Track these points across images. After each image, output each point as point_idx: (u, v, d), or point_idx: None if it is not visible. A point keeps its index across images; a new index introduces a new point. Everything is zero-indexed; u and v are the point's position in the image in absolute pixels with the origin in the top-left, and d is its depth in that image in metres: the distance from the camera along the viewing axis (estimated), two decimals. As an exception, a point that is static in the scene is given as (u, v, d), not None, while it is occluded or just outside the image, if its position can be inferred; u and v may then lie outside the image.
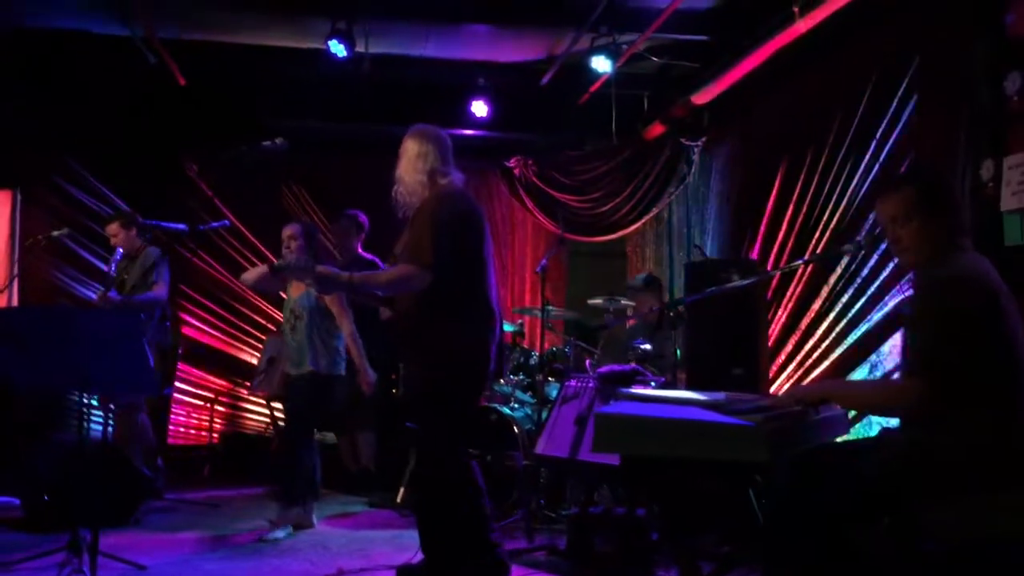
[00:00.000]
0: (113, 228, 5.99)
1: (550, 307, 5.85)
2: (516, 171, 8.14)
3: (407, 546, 4.50)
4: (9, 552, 4.35)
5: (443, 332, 3.73)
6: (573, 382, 4.87)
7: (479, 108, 7.56)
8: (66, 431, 6.76)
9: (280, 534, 4.96)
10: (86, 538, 3.57)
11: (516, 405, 5.74)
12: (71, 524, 3.97)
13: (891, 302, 4.97)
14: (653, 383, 4.65)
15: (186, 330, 7.80)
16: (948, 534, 2.56)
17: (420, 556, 4.03)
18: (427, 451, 3.84)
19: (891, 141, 5.05)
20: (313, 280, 3.84)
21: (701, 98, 7.12)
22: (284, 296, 5.23)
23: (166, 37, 6.69)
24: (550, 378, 5.62)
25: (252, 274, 5.09)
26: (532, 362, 5.84)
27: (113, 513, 4.99)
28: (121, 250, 5.79)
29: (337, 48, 6.38)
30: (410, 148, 3.95)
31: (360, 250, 6.42)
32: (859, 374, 5.21)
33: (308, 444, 5.14)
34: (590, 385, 4.70)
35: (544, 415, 5.13)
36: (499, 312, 3.92)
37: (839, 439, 3.34)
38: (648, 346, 5.15)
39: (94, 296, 7.12)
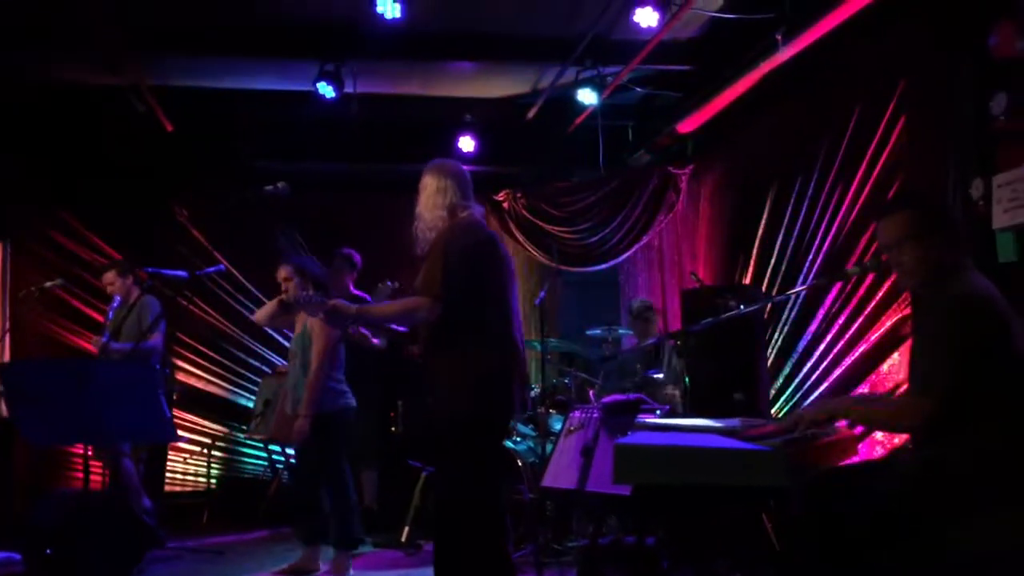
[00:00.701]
0: (109, 276, 6.01)
1: (549, 340, 5.87)
2: (505, 204, 8.19)
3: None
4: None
5: (459, 366, 3.66)
6: (577, 413, 4.87)
7: (466, 143, 7.62)
8: (66, 483, 6.72)
9: None
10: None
11: (519, 439, 5.74)
12: (78, 577, 3.94)
13: (888, 322, 5.02)
14: (658, 411, 4.66)
15: (181, 376, 7.75)
16: (964, 551, 2.57)
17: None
18: (447, 490, 3.79)
19: (880, 164, 5.12)
20: (323, 313, 3.83)
21: (686, 127, 7.20)
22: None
23: (154, 84, 6.73)
24: (552, 410, 5.62)
25: (263, 311, 5.13)
26: (533, 395, 5.85)
27: (118, 565, 4.93)
28: (119, 298, 5.79)
29: (325, 90, 6.44)
30: (429, 184, 3.89)
31: (352, 287, 6.44)
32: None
33: (344, 481, 5.14)
34: (594, 416, 4.71)
35: (548, 448, 5.13)
36: (520, 346, 3.85)
37: (851, 461, 3.36)
38: (660, 375, 5.17)
39: (88, 346, 7.13)
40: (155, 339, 5.77)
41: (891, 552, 2.70)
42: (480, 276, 3.73)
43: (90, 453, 5.82)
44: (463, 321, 3.66)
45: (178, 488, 7.63)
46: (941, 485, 2.65)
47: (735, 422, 3.02)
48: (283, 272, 5.18)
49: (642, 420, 3.23)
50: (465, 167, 7.84)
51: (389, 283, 5.38)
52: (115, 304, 5.82)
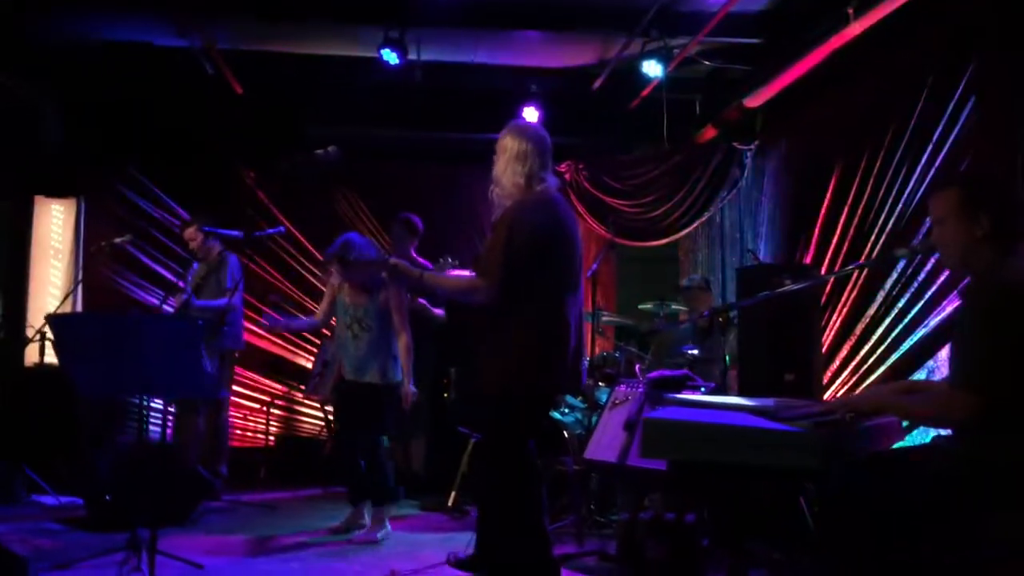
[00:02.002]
0: (190, 232, 6.22)
1: (601, 312, 5.84)
2: (567, 176, 8.15)
3: (457, 548, 4.54)
4: (72, 551, 4.47)
5: (504, 344, 3.66)
6: (623, 387, 4.86)
7: (530, 114, 7.58)
8: (127, 434, 6.95)
9: (374, 536, 5.09)
10: (145, 537, 3.66)
11: (566, 410, 5.74)
12: (131, 524, 4.08)
13: (949, 307, 4.88)
14: (703, 388, 4.63)
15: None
16: (1003, 544, 2.51)
17: (471, 549, 4.05)
18: (484, 456, 3.84)
19: (948, 144, 4.96)
20: (388, 272, 3.85)
21: (754, 101, 7.05)
22: (347, 302, 5.25)
23: (223, 48, 6.85)
24: (600, 383, 5.61)
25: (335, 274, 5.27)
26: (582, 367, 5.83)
27: (171, 513, 5.11)
28: (196, 265, 5.98)
29: (389, 56, 6.47)
30: (509, 146, 3.75)
31: (415, 254, 6.48)
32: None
33: (380, 448, 5.30)
34: (639, 390, 4.69)
35: (594, 420, 5.13)
36: (575, 325, 3.77)
37: (893, 446, 3.29)
38: (696, 351, 5.12)
39: (156, 301, 7.36)
40: (225, 297, 5.93)
41: (927, 542, 2.64)
42: (544, 257, 3.65)
43: (158, 405, 6.12)
44: (521, 298, 3.62)
45: (237, 443, 7.83)
46: (982, 477, 2.58)
47: (770, 402, 2.97)
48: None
49: (676, 396, 3.19)
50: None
51: (451, 259, 5.38)
52: (194, 268, 6.01)
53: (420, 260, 6.42)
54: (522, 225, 3.61)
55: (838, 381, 5.92)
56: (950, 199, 2.76)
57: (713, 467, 2.73)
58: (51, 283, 7.36)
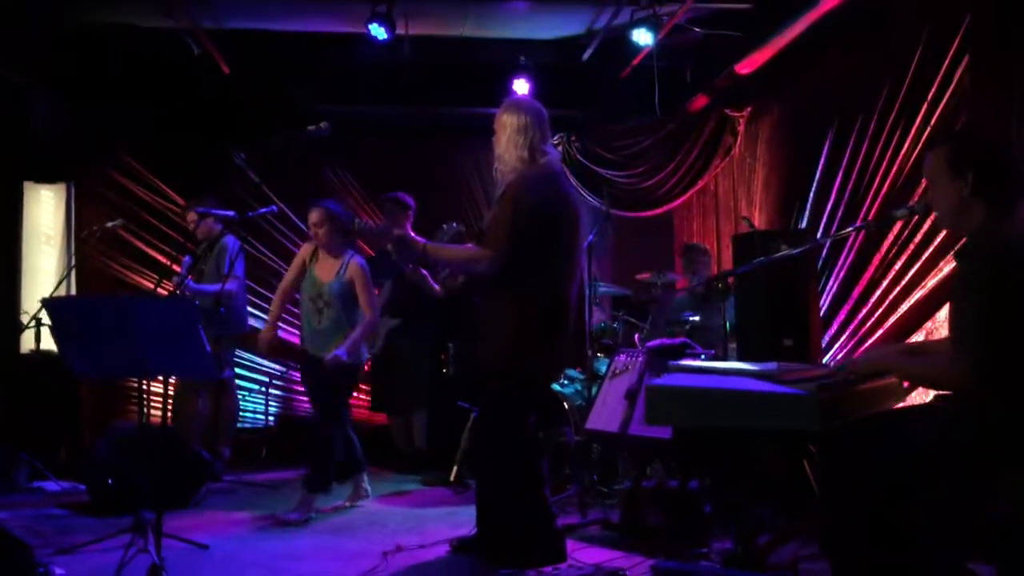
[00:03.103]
0: (192, 216, 6.17)
1: (598, 282, 5.83)
2: (560, 148, 8.10)
3: (462, 523, 4.56)
4: (75, 535, 4.48)
5: (511, 317, 3.70)
6: (622, 357, 4.87)
7: (520, 86, 7.53)
8: (126, 417, 6.97)
9: (293, 517, 4.95)
10: (150, 519, 3.66)
11: (566, 381, 5.76)
12: (134, 507, 4.09)
13: (946, 268, 4.88)
14: (703, 355, 4.63)
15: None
16: (1004, 504, 2.52)
17: (475, 531, 4.10)
18: (490, 431, 3.86)
19: (942, 105, 4.94)
20: (392, 243, 3.85)
21: (745, 68, 7.01)
22: (316, 276, 5.20)
23: (209, 27, 6.78)
24: (599, 353, 5.61)
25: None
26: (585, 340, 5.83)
27: (174, 495, 5.12)
28: (188, 257, 5.94)
29: (378, 31, 6.41)
30: (508, 122, 3.80)
31: (410, 230, 6.44)
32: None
33: (340, 428, 5.18)
34: (639, 359, 4.70)
35: (594, 391, 5.14)
36: (575, 300, 3.84)
37: (894, 407, 3.30)
38: (696, 317, 5.12)
39: (150, 285, 7.33)
40: (230, 283, 5.90)
41: (929, 502, 2.65)
42: (548, 233, 3.69)
43: (158, 388, 6.11)
44: (522, 273, 3.65)
45: (238, 424, 7.83)
46: (981, 437, 2.59)
47: (772, 366, 2.98)
48: (313, 217, 5.18)
49: (679, 363, 3.20)
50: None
51: (454, 224, 5.33)
52: (186, 260, 5.97)
53: (417, 238, 6.38)
54: (527, 199, 3.65)
55: (836, 345, 5.93)
56: (939, 158, 2.75)
57: (718, 432, 2.74)
58: (44, 269, 7.31)
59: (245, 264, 6.33)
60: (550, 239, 3.71)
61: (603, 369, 5.26)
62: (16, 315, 6.77)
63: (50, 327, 3.71)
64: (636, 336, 5.89)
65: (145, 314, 3.04)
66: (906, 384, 3.51)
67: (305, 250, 5.33)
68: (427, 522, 4.91)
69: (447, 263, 4.01)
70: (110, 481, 5.08)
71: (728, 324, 3.73)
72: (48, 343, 6.56)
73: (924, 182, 5.01)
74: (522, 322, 3.70)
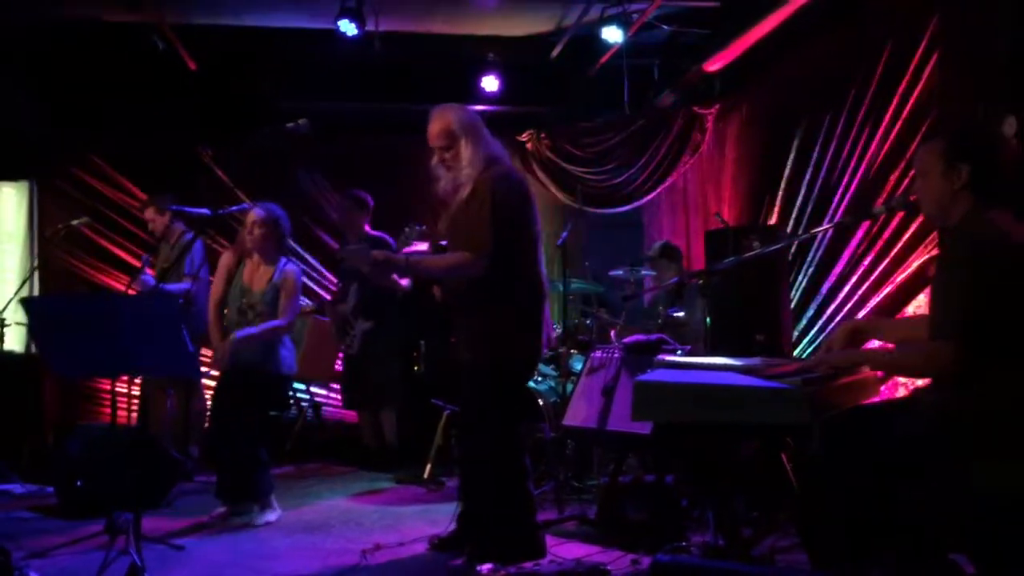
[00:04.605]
0: (149, 214, 6.10)
1: (572, 279, 5.84)
2: (529, 145, 8.13)
3: (439, 520, 4.55)
4: (46, 538, 4.40)
5: (499, 313, 3.76)
6: (598, 353, 4.88)
7: (490, 83, 7.55)
8: (91, 419, 6.87)
9: (271, 517, 4.84)
10: (126, 520, 3.61)
11: (540, 378, 5.76)
12: (108, 508, 4.02)
13: (915, 263, 4.96)
14: (679, 351, 4.66)
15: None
16: (985, 494, 2.56)
17: (453, 528, 4.10)
18: (477, 427, 3.87)
19: (911, 101, 5.02)
20: (370, 266, 3.81)
21: (713, 65, 7.08)
22: (247, 285, 4.96)
23: (175, 23, 6.69)
24: (573, 351, 5.63)
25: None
26: (555, 335, 5.84)
27: (146, 497, 5.04)
28: (147, 256, 5.85)
29: (347, 27, 6.38)
30: (457, 127, 3.82)
31: (368, 228, 6.44)
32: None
33: (261, 441, 4.88)
34: (616, 356, 4.72)
35: (568, 388, 5.15)
36: (547, 287, 3.95)
37: (872, 400, 3.35)
38: (681, 313, 5.16)
39: (116, 284, 7.22)
40: (186, 282, 5.86)
41: (910, 493, 2.69)
42: (522, 228, 3.79)
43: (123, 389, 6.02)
44: (504, 271, 3.71)
45: (207, 424, 7.74)
46: (961, 427, 2.63)
47: (756, 361, 3.01)
48: (255, 216, 4.92)
49: (663, 359, 3.23)
50: (489, 107, 7.89)
51: (417, 226, 5.30)
52: (145, 258, 5.89)
53: (375, 234, 6.37)
54: (503, 197, 3.72)
55: (805, 340, 6.00)
56: (934, 151, 2.79)
57: (704, 426, 2.76)
58: (7, 268, 7.18)
59: (207, 261, 6.22)
60: (525, 234, 3.81)
61: (578, 366, 5.27)
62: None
63: (29, 327, 3.64)
64: (612, 332, 5.91)
65: (130, 312, 3.00)
66: (880, 373, 3.56)
67: (227, 258, 5.10)
68: (403, 520, 4.90)
69: (432, 273, 4.00)
70: (79, 483, 4.99)
71: (708, 320, 3.77)
72: (11, 343, 6.45)
73: (893, 178, 5.14)
74: (507, 319, 3.76)
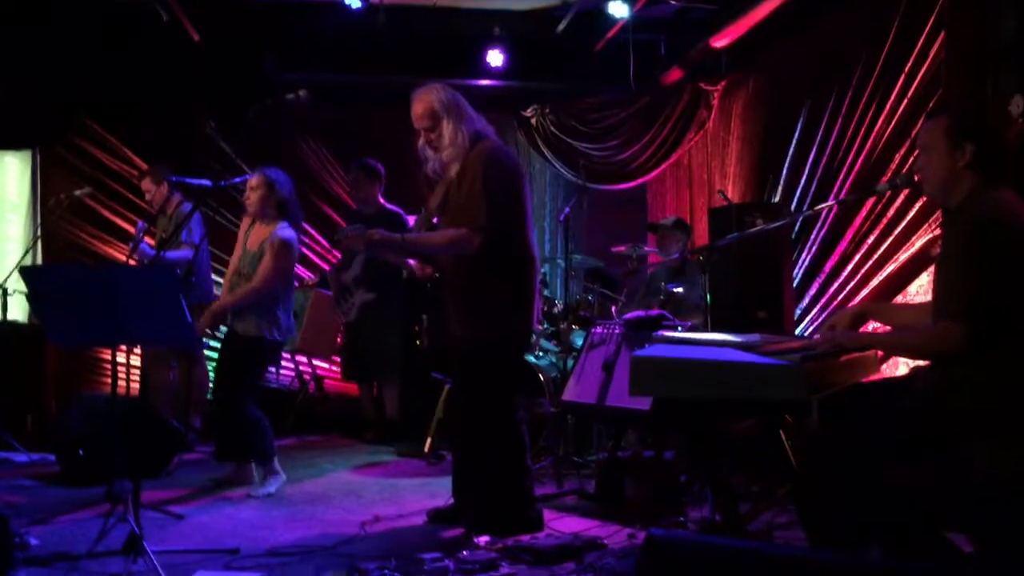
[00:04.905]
0: (146, 184, 6.10)
1: (573, 255, 5.84)
2: (533, 120, 8.09)
3: (438, 493, 4.57)
4: (48, 506, 4.43)
5: (496, 288, 3.78)
6: (599, 329, 4.88)
7: (495, 57, 7.50)
8: (94, 388, 6.88)
9: (272, 488, 4.84)
10: (126, 488, 3.63)
11: (541, 353, 5.77)
12: (106, 477, 4.04)
13: (919, 242, 4.94)
14: (680, 328, 4.66)
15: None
16: (985, 469, 2.56)
17: (451, 501, 4.12)
18: (477, 403, 3.89)
19: (918, 79, 4.98)
20: (367, 246, 3.83)
21: (720, 41, 7.00)
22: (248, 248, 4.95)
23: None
24: (574, 326, 5.63)
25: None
26: (556, 311, 5.85)
27: (146, 466, 5.06)
28: (142, 223, 5.84)
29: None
30: (439, 108, 3.82)
31: (383, 200, 6.41)
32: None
33: (254, 403, 4.89)
34: (616, 331, 4.72)
35: (569, 363, 5.16)
36: (539, 261, 3.98)
37: (869, 379, 3.34)
38: (680, 289, 5.15)
39: (117, 254, 7.22)
40: (186, 250, 5.87)
41: (908, 471, 2.69)
42: (514, 202, 3.81)
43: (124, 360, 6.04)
44: (497, 246, 3.73)
45: (210, 396, 7.77)
46: (961, 406, 2.62)
47: (755, 337, 3.00)
48: (253, 180, 4.93)
49: (664, 334, 3.23)
50: (493, 82, 7.85)
51: None
52: (140, 226, 5.88)
53: (391, 208, 6.35)
54: (496, 172, 3.74)
55: (808, 318, 6.00)
56: (938, 127, 2.77)
57: (704, 402, 2.76)
58: (10, 237, 7.18)
59: (205, 231, 6.21)
60: (517, 209, 3.83)
61: (579, 342, 5.28)
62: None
63: (28, 296, 3.64)
64: (613, 308, 5.91)
65: (127, 283, 3.00)
66: (880, 355, 3.56)
67: (244, 225, 5.11)
68: (403, 492, 4.92)
69: (428, 250, 4.02)
70: (80, 452, 5.01)
71: (708, 297, 3.77)
72: (14, 313, 6.46)
73: (898, 157, 5.12)
74: (500, 294, 3.79)
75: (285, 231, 4.85)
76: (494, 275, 3.77)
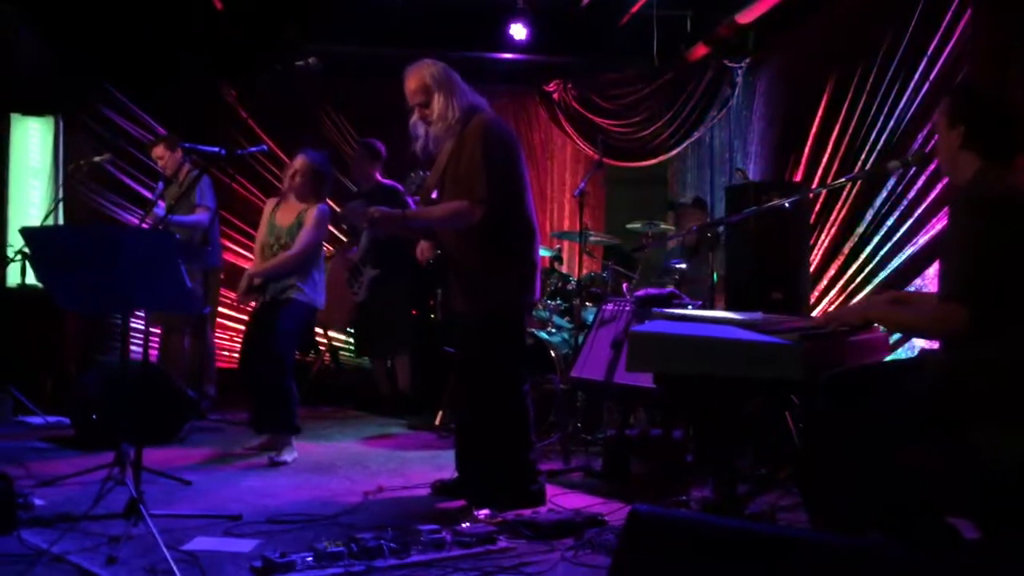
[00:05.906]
0: (158, 151, 6.14)
1: (588, 232, 5.80)
2: (555, 95, 8.03)
3: (445, 466, 4.57)
4: (59, 468, 4.48)
5: (496, 262, 3.78)
6: (609, 306, 4.85)
7: (517, 31, 7.44)
8: (112, 353, 6.94)
9: (287, 458, 4.88)
10: (130, 454, 3.66)
11: (553, 330, 5.75)
12: (119, 441, 4.07)
13: (938, 225, 4.86)
14: (690, 306, 4.61)
15: (227, 255, 7.85)
16: (992, 454, 2.52)
17: (456, 475, 4.12)
18: (480, 376, 3.89)
19: (943, 56, 4.88)
20: (369, 223, 3.85)
21: (746, 17, 6.91)
22: (277, 223, 5.08)
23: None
24: (587, 303, 5.60)
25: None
26: (570, 287, 5.82)
27: (158, 432, 5.11)
28: (162, 183, 5.86)
29: (373, -30, 6.29)
30: (430, 82, 3.81)
31: (380, 177, 6.43)
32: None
33: (288, 373, 4.96)
34: (626, 308, 4.68)
35: (581, 339, 5.13)
36: (538, 232, 3.96)
37: (879, 360, 3.29)
38: (684, 266, 5.10)
39: (137, 221, 7.25)
40: (201, 214, 5.92)
41: (918, 453, 2.65)
42: (513, 174, 3.81)
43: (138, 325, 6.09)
44: (500, 219, 3.72)
45: (224, 364, 7.81)
46: (972, 388, 2.58)
47: (756, 315, 2.96)
48: (299, 164, 5.05)
49: (663, 310, 3.19)
50: (516, 55, 7.78)
51: (422, 172, 5.28)
52: (159, 187, 5.90)
53: (387, 183, 6.35)
54: (494, 143, 3.73)
55: (826, 300, 5.92)
56: (942, 108, 2.78)
57: (698, 380, 2.73)
58: (31, 203, 7.23)
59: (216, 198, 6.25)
60: (516, 180, 3.82)
61: (590, 318, 5.24)
62: (2, 248, 6.70)
63: (28, 257, 3.66)
64: (625, 285, 5.86)
65: (126, 245, 2.99)
66: (894, 337, 3.50)
67: (269, 204, 5.22)
68: (410, 464, 4.93)
69: (431, 223, 4.02)
70: (94, 416, 5.06)
71: (716, 275, 3.71)
72: (32, 278, 6.52)
73: (921, 136, 5.03)
74: (501, 267, 3.79)
75: (324, 208, 5.07)
76: (494, 248, 3.76)
